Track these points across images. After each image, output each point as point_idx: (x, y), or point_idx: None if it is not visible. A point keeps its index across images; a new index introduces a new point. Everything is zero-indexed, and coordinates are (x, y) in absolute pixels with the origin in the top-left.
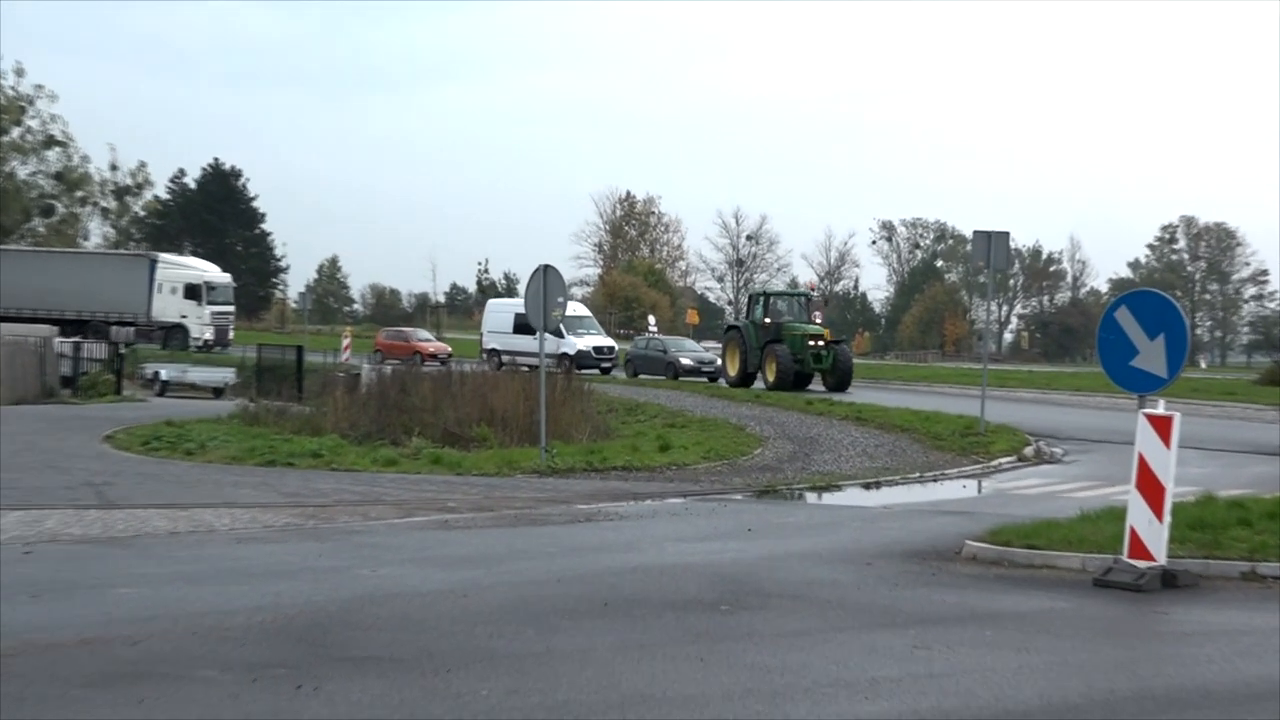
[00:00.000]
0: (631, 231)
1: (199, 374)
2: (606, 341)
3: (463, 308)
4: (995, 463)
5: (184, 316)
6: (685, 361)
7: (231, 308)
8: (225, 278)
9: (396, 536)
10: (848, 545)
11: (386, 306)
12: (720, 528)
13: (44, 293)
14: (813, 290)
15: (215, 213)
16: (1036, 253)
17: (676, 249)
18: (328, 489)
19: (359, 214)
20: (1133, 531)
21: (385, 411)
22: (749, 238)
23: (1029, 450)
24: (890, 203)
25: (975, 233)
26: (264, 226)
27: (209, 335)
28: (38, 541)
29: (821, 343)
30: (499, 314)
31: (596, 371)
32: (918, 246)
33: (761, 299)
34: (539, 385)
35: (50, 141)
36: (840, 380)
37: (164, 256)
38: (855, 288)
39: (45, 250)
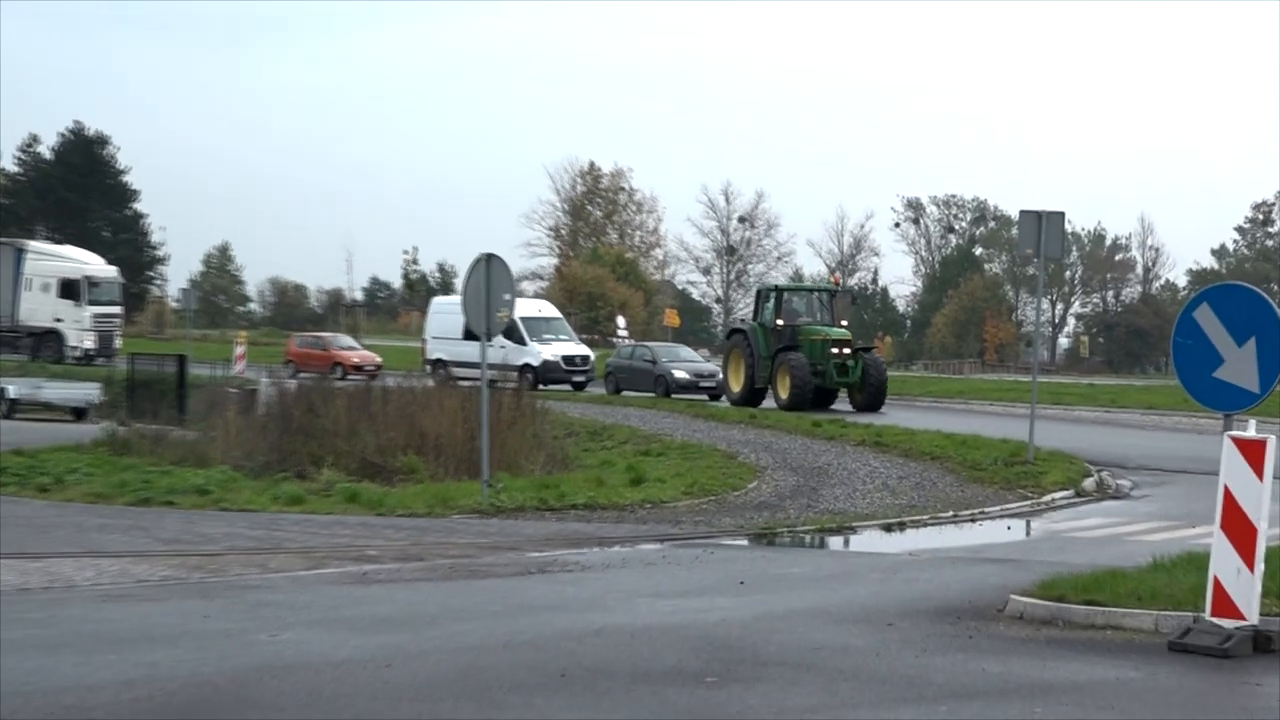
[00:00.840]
0: (596, 212)
1: (55, 391)
2: (580, 349)
3: (386, 308)
4: (1047, 498)
5: (59, 320)
6: (679, 374)
7: (118, 309)
8: (110, 271)
9: (302, 592)
10: (864, 601)
11: (290, 306)
12: (706, 580)
13: None
14: (837, 284)
15: (76, 189)
16: (1099, 238)
17: (652, 234)
18: (217, 534)
19: (255, 192)
20: (1217, 583)
21: (289, 437)
22: (742, 220)
23: (1089, 483)
24: (918, 177)
25: (1022, 213)
26: (137, 206)
27: (90, 343)
28: None
29: (848, 350)
30: (445, 315)
31: (568, 387)
32: (951, 230)
33: (773, 295)
34: (480, 404)
35: None
36: (872, 398)
37: (33, 245)
38: (874, 281)
39: None
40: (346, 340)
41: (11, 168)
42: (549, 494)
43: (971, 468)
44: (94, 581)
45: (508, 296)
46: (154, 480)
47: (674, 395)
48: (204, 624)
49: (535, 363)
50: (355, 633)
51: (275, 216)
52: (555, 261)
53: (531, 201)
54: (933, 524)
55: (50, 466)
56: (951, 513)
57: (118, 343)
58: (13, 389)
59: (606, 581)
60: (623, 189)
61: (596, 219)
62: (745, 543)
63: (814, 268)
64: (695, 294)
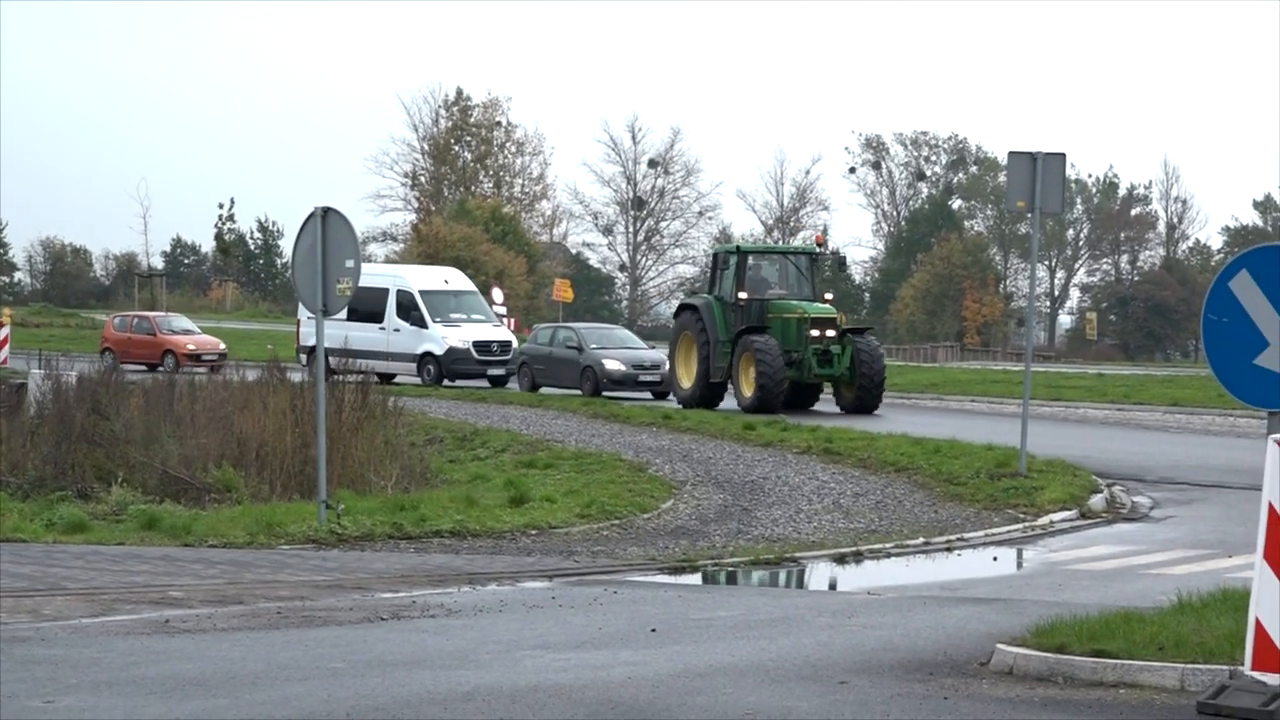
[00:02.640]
0: (465, 154)
1: None
2: (498, 333)
3: (193, 277)
4: (1044, 521)
5: None
6: (612, 366)
7: None
8: None
9: (87, 646)
10: (810, 654)
11: (69, 276)
12: (608, 628)
13: None
14: (820, 244)
15: None
16: (1110, 187)
17: (537, 182)
18: None
19: (19, 131)
20: (1259, 629)
21: (68, 445)
22: (652, 164)
23: (1096, 500)
24: (879, 110)
25: (1012, 155)
26: None
27: None
28: None
29: (833, 332)
30: None
31: (485, 383)
32: (922, 177)
33: (733, 260)
34: (316, 402)
35: None
36: (866, 395)
37: None
38: (824, 245)
39: None
40: (181, 322)
41: None
42: (405, 518)
43: (947, 482)
44: None
45: (350, 263)
46: None
47: (602, 393)
48: None
49: (439, 350)
50: (156, 698)
51: (46, 163)
52: (412, 218)
53: (381, 141)
54: (898, 554)
55: None
56: (921, 540)
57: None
58: None
59: (479, 630)
60: (499, 124)
61: (465, 163)
62: (658, 579)
63: (746, 225)
64: (594, 259)
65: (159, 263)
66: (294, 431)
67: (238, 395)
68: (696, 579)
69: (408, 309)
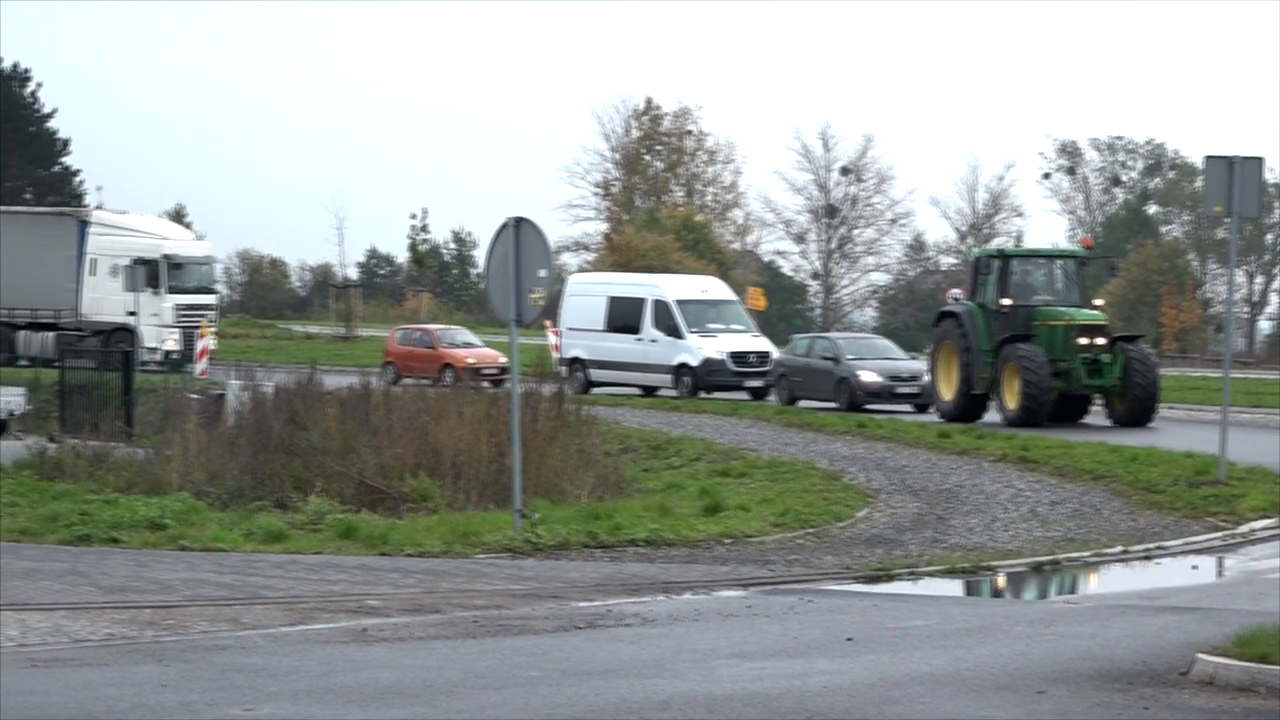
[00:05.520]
0: (656, 164)
1: None
2: (756, 344)
3: (388, 288)
4: (1244, 529)
5: (132, 314)
6: (867, 377)
7: (211, 298)
8: (198, 248)
9: (285, 655)
10: (1007, 663)
11: (265, 287)
12: (804, 637)
13: None
14: (1088, 247)
15: None
16: None
17: (729, 191)
18: (175, 580)
19: (218, 142)
20: None
21: (266, 455)
22: (845, 171)
23: None
24: (1073, 114)
25: (1209, 159)
26: (67, 161)
27: (173, 343)
28: None
29: (1103, 340)
30: (584, 300)
31: (746, 395)
32: (1117, 183)
33: (996, 264)
34: (511, 411)
35: None
36: (1139, 407)
37: (98, 214)
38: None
39: None
40: (462, 335)
41: None
42: (600, 527)
43: (1145, 490)
44: (19, 642)
45: (543, 272)
46: (94, 512)
47: (860, 407)
48: (159, 696)
49: (694, 362)
50: (353, 706)
51: (244, 174)
52: (604, 227)
53: (574, 151)
54: (1096, 562)
55: None
56: (1120, 548)
57: (212, 343)
58: None
59: (675, 639)
60: (690, 133)
61: (656, 172)
62: (853, 588)
63: (939, 232)
64: (786, 267)
65: (354, 274)
66: (489, 441)
67: (433, 405)
68: (892, 588)
69: (664, 319)
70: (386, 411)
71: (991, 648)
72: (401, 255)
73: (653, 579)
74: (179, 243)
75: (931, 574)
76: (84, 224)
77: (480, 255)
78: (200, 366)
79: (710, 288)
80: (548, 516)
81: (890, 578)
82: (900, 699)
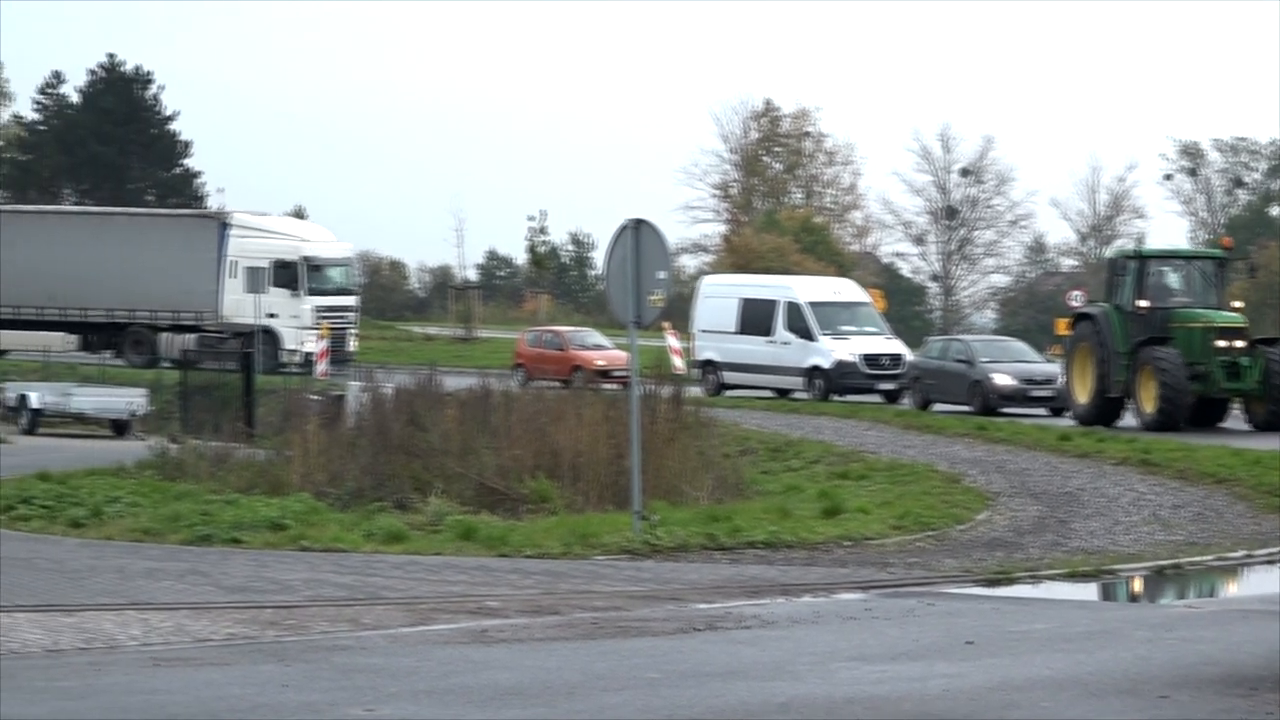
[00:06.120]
0: (775, 165)
1: (89, 399)
2: (889, 346)
3: (507, 289)
4: None
5: (272, 316)
6: (1001, 380)
7: (351, 300)
8: (338, 250)
9: (405, 656)
10: (1128, 668)
11: (385, 289)
12: (923, 640)
13: (56, 281)
14: (1227, 248)
15: (111, 141)
16: None
17: (848, 192)
18: (296, 580)
19: (336, 143)
20: None
21: (386, 457)
22: (965, 173)
23: None
24: (1195, 114)
25: None
26: (188, 163)
27: (312, 345)
28: None
29: (1241, 343)
30: (716, 302)
31: (878, 398)
32: (1240, 184)
33: (1132, 265)
34: (630, 413)
35: None
36: (1277, 411)
37: (239, 216)
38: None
39: (55, 211)
40: (592, 338)
41: (30, 114)
42: (719, 529)
43: (1270, 493)
44: (141, 641)
45: (662, 274)
46: (215, 513)
47: (994, 411)
48: (281, 695)
49: (826, 364)
50: (473, 706)
51: (363, 175)
52: (723, 229)
53: (692, 153)
54: (1218, 566)
55: (85, 495)
56: (1243, 552)
57: (352, 344)
58: (35, 396)
59: (794, 641)
60: (808, 135)
61: (775, 174)
62: (974, 591)
63: (1060, 234)
64: (905, 269)
65: (473, 275)
66: (608, 442)
67: (552, 407)
68: (1012, 591)
69: (796, 321)
70: (505, 413)
71: (1113, 652)
72: (520, 257)
73: (772, 581)
74: (318, 244)
75: (1052, 577)
76: (224, 226)
77: (599, 257)
78: (321, 368)
79: (843, 289)
80: (667, 518)
81: (1010, 581)
82: (1021, 703)
